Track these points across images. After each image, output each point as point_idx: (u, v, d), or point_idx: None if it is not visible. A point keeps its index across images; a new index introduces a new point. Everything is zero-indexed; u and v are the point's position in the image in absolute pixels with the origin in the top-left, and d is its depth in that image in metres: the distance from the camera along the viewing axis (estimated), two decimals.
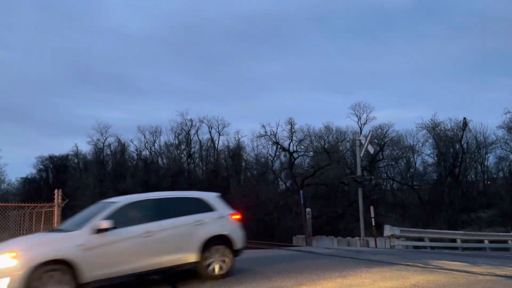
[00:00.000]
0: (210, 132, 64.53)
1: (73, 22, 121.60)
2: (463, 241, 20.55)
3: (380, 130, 53.54)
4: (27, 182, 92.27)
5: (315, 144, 58.30)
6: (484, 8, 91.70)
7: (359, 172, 23.21)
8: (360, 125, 56.04)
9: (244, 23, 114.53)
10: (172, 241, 7.49)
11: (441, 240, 20.77)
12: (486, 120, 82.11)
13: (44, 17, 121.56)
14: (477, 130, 52.69)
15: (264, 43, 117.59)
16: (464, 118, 50.15)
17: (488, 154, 53.91)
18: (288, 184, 57.18)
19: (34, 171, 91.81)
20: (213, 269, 7.78)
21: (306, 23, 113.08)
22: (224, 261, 7.89)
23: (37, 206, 13.63)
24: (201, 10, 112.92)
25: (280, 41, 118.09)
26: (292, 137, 54.74)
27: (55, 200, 10.22)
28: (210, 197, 8.61)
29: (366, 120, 55.79)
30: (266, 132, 55.38)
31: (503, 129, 49.06)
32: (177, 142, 67.31)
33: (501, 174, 53.15)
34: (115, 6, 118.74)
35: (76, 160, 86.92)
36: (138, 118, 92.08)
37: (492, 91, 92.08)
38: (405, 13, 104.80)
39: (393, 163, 55.20)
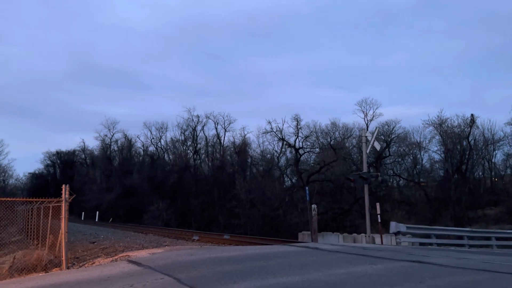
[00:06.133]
0: (216, 128, 64.72)
1: (78, 18, 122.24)
2: (470, 238, 20.47)
3: (386, 127, 53.39)
4: (34, 177, 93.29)
5: (321, 140, 58.25)
6: (490, 4, 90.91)
7: (365, 169, 23.14)
8: (366, 122, 55.88)
9: (249, 20, 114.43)
10: None
11: (448, 237, 20.69)
12: (494, 117, 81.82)
13: (48, 13, 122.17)
14: (484, 127, 52.41)
15: (269, 39, 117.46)
16: (472, 115, 49.83)
17: (496, 151, 53.61)
18: (293, 180, 57.18)
19: (41, 166, 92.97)
20: None
21: (310, 19, 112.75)
22: None
23: (44, 201, 13.73)
24: (206, 6, 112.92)
25: (284, 37, 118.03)
26: (298, 133, 54.72)
27: (63, 195, 10.28)
28: None
29: (373, 117, 55.64)
30: (272, 128, 55.39)
31: (511, 126, 48.71)
32: (183, 138, 67.58)
33: (508, 171, 52.84)
34: (119, 1, 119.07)
35: (83, 156, 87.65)
36: (144, 114, 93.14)
37: (499, 88, 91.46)
38: (409, 9, 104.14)
39: (400, 159, 54.97)
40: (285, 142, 56.40)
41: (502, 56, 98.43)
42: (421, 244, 18.64)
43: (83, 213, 60.90)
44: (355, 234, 24.73)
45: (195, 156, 65.99)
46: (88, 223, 47.30)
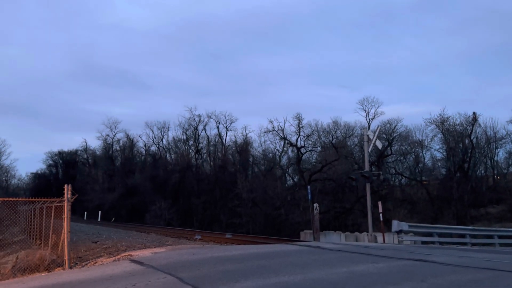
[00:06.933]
0: (217, 128, 64.74)
1: (78, 18, 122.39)
2: (472, 236, 20.43)
3: (388, 125, 53.30)
4: (37, 177, 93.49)
5: (323, 139, 58.18)
6: (492, 2, 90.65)
7: (367, 168, 23.11)
8: (368, 120, 55.80)
9: (249, 19, 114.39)
10: None
11: (450, 235, 20.66)
12: (496, 115, 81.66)
13: (49, 13, 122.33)
14: (486, 125, 52.26)
15: (270, 38, 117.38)
16: (474, 113, 49.62)
17: (498, 149, 53.46)
18: (295, 179, 57.17)
19: (43, 166, 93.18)
20: None
21: (311, 18, 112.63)
22: None
23: (47, 201, 13.75)
24: (206, 6, 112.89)
25: (285, 36, 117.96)
26: (299, 132, 54.61)
27: (65, 195, 10.30)
28: None
29: (374, 115, 55.56)
30: (273, 127, 55.28)
31: None
32: (185, 137, 67.64)
33: (511, 169, 52.66)
34: (119, 1, 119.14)
35: (85, 156, 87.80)
36: (146, 113, 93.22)
37: (501, 86, 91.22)
38: (411, 7, 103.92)
39: (402, 158, 54.90)
40: (286, 141, 56.38)
41: (505, 54, 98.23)
42: (423, 242, 18.62)
43: (85, 213, 61.03)
44: (357, 233, 24.74)
45: (197, 156, 66.03)
46: (91, 222, 47.39)
